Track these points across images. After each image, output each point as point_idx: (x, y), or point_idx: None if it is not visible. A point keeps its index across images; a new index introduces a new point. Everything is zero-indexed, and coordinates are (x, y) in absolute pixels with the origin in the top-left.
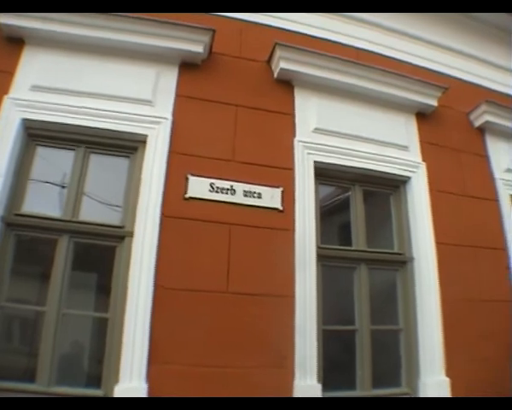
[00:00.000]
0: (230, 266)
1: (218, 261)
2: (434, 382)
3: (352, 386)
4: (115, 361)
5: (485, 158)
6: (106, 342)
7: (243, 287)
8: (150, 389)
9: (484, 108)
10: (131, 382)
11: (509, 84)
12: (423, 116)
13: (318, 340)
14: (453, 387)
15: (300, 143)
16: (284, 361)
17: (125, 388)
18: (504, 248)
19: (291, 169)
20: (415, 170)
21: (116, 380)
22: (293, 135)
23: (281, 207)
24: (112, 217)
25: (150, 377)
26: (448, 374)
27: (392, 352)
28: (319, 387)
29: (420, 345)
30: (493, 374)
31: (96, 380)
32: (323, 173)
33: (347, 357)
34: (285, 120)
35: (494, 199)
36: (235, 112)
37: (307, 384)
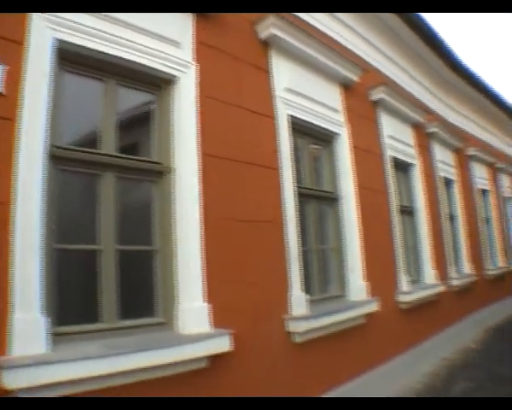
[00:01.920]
0: None
1: None
2: (193, 308)
3: (94, 318)
4: None
5: (266, 73)
6: None
7: None
8: None
9: (272, 20)
10: None
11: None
12: (203, 14)
13: (47, 262)
14: (213, 313)
15: (36, 16)
16: None
17: None
18: (276, 168)
19: (21, 44)
20: (184, 70)
21: None
22: None
23: (2, 90)
24: None
25: None
26: (208, 300)
27: (146, 276)
28: (44, 320)
29: (178, 268)
30: (257, 299)
31: None
32: (68, 57)
33: (88, 283)
34: None
35: (271, 116)
36: None
37: (28, 318)
